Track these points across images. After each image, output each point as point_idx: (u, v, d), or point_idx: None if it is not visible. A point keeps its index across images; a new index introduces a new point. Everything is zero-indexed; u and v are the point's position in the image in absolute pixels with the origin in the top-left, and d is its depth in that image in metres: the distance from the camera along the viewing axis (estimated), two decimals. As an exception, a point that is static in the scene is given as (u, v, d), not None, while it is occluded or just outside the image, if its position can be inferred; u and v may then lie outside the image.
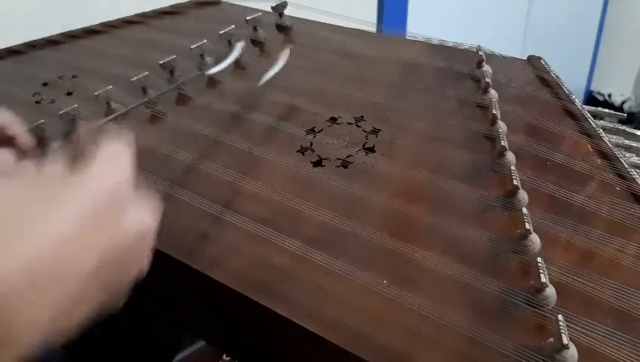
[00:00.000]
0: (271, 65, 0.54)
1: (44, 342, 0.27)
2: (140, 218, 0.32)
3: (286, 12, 0.68)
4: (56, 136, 0.37)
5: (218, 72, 0.56)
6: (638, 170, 0.42)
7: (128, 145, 0.32)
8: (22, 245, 0.26)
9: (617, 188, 0.41)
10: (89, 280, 0.28)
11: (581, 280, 0.33)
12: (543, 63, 0.57)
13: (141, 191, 0.32)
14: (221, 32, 0.61)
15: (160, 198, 0.33)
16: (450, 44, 0.61)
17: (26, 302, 0.26)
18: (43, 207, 0.28)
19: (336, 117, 0.50)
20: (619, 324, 0.31)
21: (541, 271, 0.32)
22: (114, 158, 0.31)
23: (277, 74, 0.54)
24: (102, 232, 0.29)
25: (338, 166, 0.44)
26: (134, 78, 0.53)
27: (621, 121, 0.51)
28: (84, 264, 0.28)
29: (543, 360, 0.29)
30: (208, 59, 0.59)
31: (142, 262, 0.33)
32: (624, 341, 0.30)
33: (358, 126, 0.49)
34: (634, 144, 0.48)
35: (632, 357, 0.29)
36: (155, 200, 0.32)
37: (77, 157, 0.33)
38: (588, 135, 0.46)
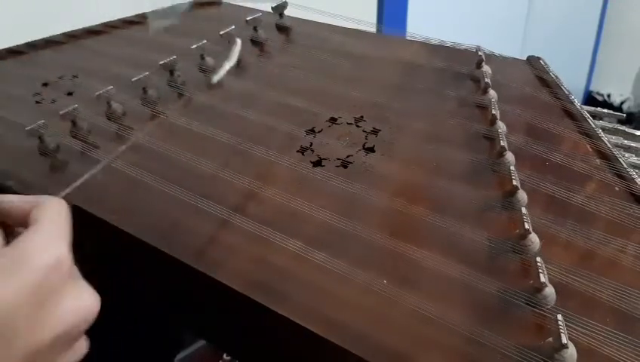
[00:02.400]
0: (225, 60, 0.55)
1: None
2: (76, 305, 0.28)
3: (286, 12, 0.68)
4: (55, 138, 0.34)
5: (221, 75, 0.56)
6: (637, 170, 0.42)
7: (65, 217, 0.29)
8: None
9: (616, 189, 0.41)
10: None
11: (581, 280, 0.33)
12: (543, 63, 0.57)
13: (76, 274, 0.28)
14: (221, 32, 0.61)
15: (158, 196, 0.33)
16: (450, 45, 0.61)
17: None
18: None
19: (336, 117, 0.50)
20: (619, 324, 0.31)
21: (540, 270, 0.32)
22: (49, 233, 0.27)
23: (233, 69, 0.55)
24: (31, 325, 0.25)
25: (338, 166, 0.44)
26: (135, 78, 0.53)
27: (620, 121, 0.51)
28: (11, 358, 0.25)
29: (542, 359, 0.29)
30: (208, 60, 0.59)
31: (78, 351, 0.29)
32: (624, 341, 0.30)
33: (358, 126, 0.49)
34: (633, 144, 0.48)
35: (632, 357, 0.29)
36: (90, 289, 0.28)
37: (6, 228, 0.29)
38: (587, 135, 0.46)
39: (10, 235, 0.30)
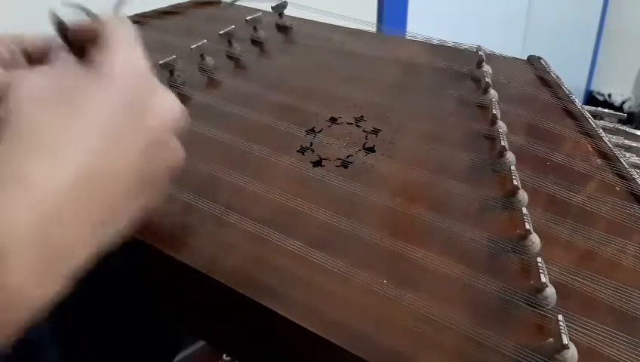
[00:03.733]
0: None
1: (93, 254, 0.26)
2: (169, 104, 0.30)
3: (286, 12, 0.68)
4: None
5: None
6: (638, 170, 0.42)
7: (133, 30, 0.31)
8: (56, 164, 0.25)
9: (617, 188, 0.41)
10: (131, 182, 0.27)
11: (581, 280, 0.33)
12: (543, 63, 0.57)
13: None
14: (221, 32, 0.61)
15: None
16: (450, 44, 0.61)
17: (69, 220, 0.25)
18: (68, 117, 0.26)
19: (336, 117, 0.50)
20: (619, 324, 0.31)
21: (541, 271, 0.32)
22: (127, 46, 0.29)
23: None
24: (136, 129, 0.28)
25: (338, 166, 0.44)
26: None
27: (621, 121, 0.51)
28: (124, 167, 0.27)
29: (542, 360, 0.29)
30: (208, 60, 0.59)
31: (178, 150, 0.31)
32: (624, 341, 0.30)
33: (358, 126, 0.49)
34: (634, 144, 0.48)
35: (632, 357, 0.29)
36: (173, 94, 0.31)
37: (82, 50, 0.31)
38: (588, 135, 0.46)
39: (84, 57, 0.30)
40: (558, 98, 0.51)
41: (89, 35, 0.31)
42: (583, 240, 0.36)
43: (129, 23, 0.31)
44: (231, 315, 0.38)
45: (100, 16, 0.31)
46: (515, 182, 0.39)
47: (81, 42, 0.31)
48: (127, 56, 0.29)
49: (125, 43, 0.29)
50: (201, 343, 0.86)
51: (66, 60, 0.30)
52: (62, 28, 0.32)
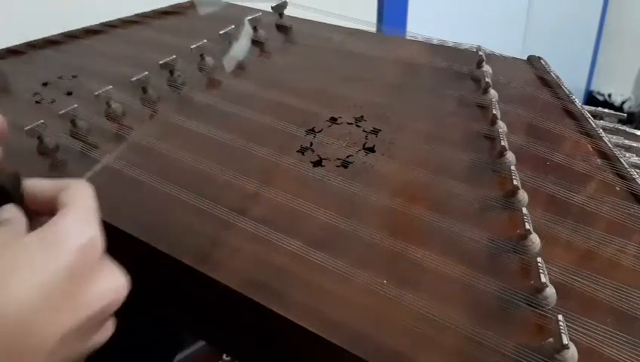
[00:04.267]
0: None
1: None
2: (112, 285, 0.28)
3: (286, 12, 0.68)
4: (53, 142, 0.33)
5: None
6: (638, 170, 0.42)
7: (93, 199, 0.29)
8: None
9: (617, 188, 0.41)
10: (61, 352, 0.25)
11: (581, 280, 0.33)
12: (543, 63, 0.57)
13: (107, 257, 0.28)
14: (221, 32, 0.61)
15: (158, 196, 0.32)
16: (450, 44, 0.61)
17: None
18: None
19: (336, 117, 0.50)
20: (619, 324, 0.31)
21: (541, 271, 0.32)
22: (81, 215, 0.27)
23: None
24: (67, 305, 0.25)
25: (338, 166, 0.44)
26: (134, 78, 0.53)
27: (621, 121, 0.51)
28: (43, 343, 0.25)
29: (542, 360, 0.29)
30: (208, 60, 0.59)
31: (106, 331, 0.29)
32: (624, 341, 0.30)
33: (358, 126, 0.49)
34: (634, 144, 0.48)
35: (632, 357, 0.29)
36: (120, 269, 0.29)
37: (35, 213, 0.29)
38: (588, 135, 0.46)
39: (34, 221, 0.29)
40: (558, 98, 0.51)
41: (47, 196, 0.29)
42: (583, 240, 0.36)
43: (91, 191, 0.29)
44: (231, 315, 0.38)
45: (62, 181, 0.30)
46: (515, 182, 0.39)
47: (36, 204, 0.30)
48: (78, 228, 0.27)
49: (80, 212, 0.28)
50: (201, 343, 0.86)
51: (13, 220, 0.28)
52: (16, 185, 0.30)
